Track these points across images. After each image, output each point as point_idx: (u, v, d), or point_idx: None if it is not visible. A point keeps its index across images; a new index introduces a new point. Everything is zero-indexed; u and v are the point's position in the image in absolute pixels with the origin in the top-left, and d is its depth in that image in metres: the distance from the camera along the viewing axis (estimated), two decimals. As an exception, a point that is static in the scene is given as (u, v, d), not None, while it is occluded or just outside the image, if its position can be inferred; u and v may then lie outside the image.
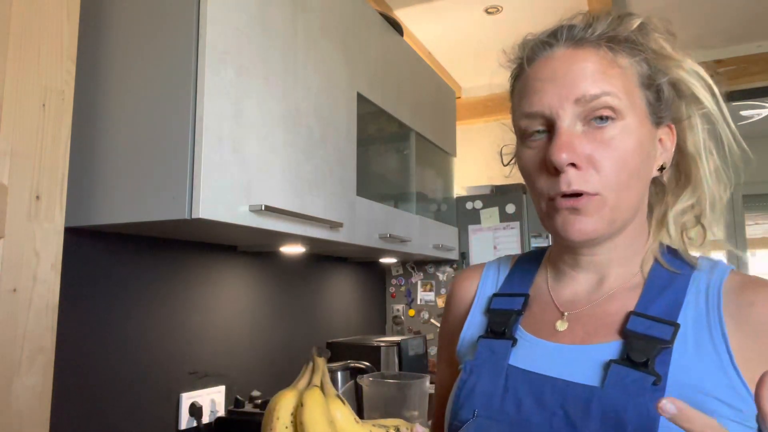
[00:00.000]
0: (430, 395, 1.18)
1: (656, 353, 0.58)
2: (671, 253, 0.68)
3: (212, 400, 1.49)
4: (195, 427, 1.42)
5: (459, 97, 3.23)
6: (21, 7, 0.91)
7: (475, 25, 2.58)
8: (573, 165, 0.60)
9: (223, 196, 1.07)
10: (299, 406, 0.56)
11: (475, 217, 2.43)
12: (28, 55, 0.92)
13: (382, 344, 1.81)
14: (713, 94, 0.65)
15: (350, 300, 2.26)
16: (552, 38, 0.65)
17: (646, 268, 0.67)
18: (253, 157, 1.15)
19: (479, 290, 0.79)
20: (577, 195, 0.61)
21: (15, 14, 0.90)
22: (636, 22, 0.65)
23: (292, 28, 1.31)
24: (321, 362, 0.62)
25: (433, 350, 2.45)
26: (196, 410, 1.41)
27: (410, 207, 2.02)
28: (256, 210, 1.13)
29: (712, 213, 0.67)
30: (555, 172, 0.61)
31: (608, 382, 0.58)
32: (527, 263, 0.79)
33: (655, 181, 0.69)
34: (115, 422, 1.26)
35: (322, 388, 0.60)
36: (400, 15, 2.47)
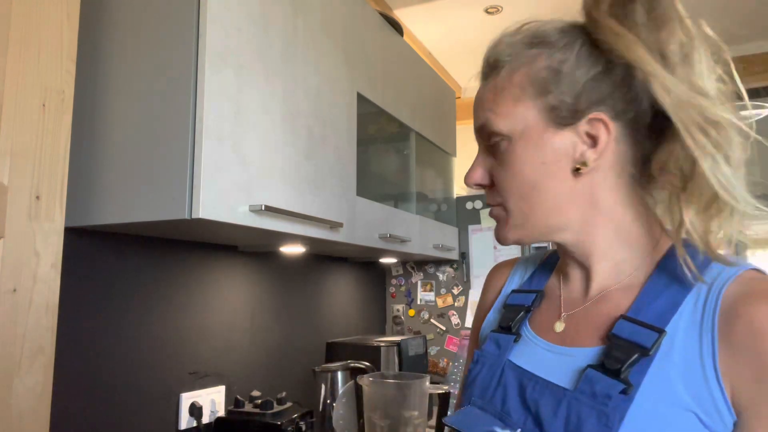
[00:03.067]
0: (431, 395, 1.18)
1: (633, 361, 0.56)
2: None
3: (212, 400, 1.49)
4: (195, 427, 1.42)
5: (459, 97, 3.23)
6: (21, 7, 0.91)
7: (475, 25, 2.58)
8: (484, 185, 0.70)
9: (223, 196, 1.07)
10: None
11: (475, 217, 2.43)
12: (28, 55, 0.92)
13: (382, 344, 1.81)
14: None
15: (350, 300, 2.26)
16: (482, 69, 0.72)
17: (649, 268, 0.64)
18: (253, 157, 1.15)
19: (506, 285, 0.82)
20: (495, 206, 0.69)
21: (15, 14, 0.90)
22: (529, 27, 0.67)
23: (292, 28, 1.31)
24: None
25: (433, 350, 2.45)
26: (196, 410, 1.41)
27: (410, 207, 2.02)
28: (256, 210, 1.13)
29: (729, 216, 0.57)
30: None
31: (579, 387, 0.58)
32: (551, 260, 0.79)
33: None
34: (115, 422, 1.26)
35: None
36: (400, 15, 2.48)
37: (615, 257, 0.66)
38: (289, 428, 1.34)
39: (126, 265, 1.31)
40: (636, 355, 0.56)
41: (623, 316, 0.61)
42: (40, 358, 0.92)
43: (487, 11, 2.45)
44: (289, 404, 1.44)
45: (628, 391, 0.55)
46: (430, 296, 2.48)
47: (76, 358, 1.19)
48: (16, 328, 0.88)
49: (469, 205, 2.45)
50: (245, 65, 1.15)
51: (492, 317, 0.79)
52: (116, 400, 1.26)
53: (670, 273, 0.61)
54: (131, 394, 1.30)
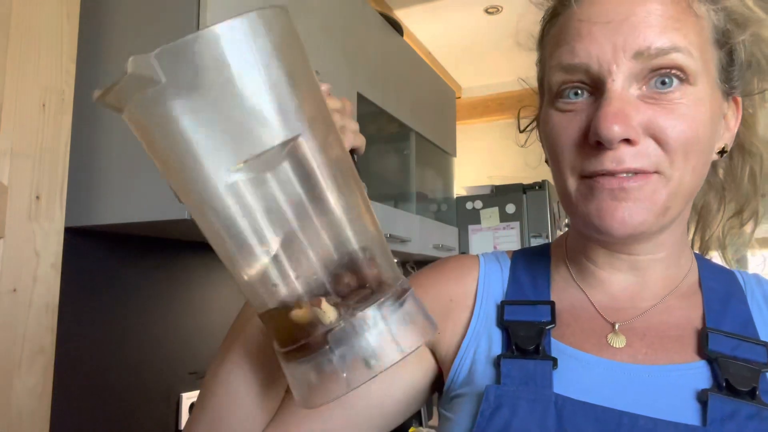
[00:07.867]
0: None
1: (759, 380, 0.45)
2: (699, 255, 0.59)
3: (212, 400, 1.49)
4: (195, 427, 1.41)
5: (459, 97, 3.24)
6: (21, 7, 0.91)
7: (475, 25, 2.58)
8: (627, 140, 0.45)
9: (223, 196, 1.06)
10: None
11: (475, 217, 2.43)
12: (28, 55, 0.92)
13: (382, 344, 1.81)
14: None
15: (350, 300, 2.26)
16: None
17: (694, 273, 0.56)
18: (253, 157, 1.15)
19: (481, 292, 0.60)
20: (628, 173, 0.46)
21: (15, 14, 0.90)
22: None
23: (292, 28, 1.31)
24: None
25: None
26: (196, 410, 1.41)
27: (410, 207, 2.02)
28: (256, 210, 1.13)
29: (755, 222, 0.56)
30: (598, 146, 0.46)
31: (712, 419, 0.44)
32: (531, 261, 0.62)
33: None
34: (114, 422, 1.26)
35: None
36: (400, 15, 2.48)
37: (677, 262, 0.55)
38: (289, 428, 1.34)
39: (126, 265, 1.31)
40: (762, 371, 0.46)
41: (709, 329, 0.50)
42: (40, 358, 0.92)
43: (487, 11, 2.45)
44: (289, 404, 1.44)
45: None
46: (430, 296, 2.48)
47: (76, 358, 1.18)
48: (16, 328, 0.88)
49: (469, 205, 2.45)
50: (245, 65, 1.15)
51: (485, 336, 0.57)
52: (116, 400, 1.26)
53: (713, 281, 0.55)
54: (131, 394, 1.30)
